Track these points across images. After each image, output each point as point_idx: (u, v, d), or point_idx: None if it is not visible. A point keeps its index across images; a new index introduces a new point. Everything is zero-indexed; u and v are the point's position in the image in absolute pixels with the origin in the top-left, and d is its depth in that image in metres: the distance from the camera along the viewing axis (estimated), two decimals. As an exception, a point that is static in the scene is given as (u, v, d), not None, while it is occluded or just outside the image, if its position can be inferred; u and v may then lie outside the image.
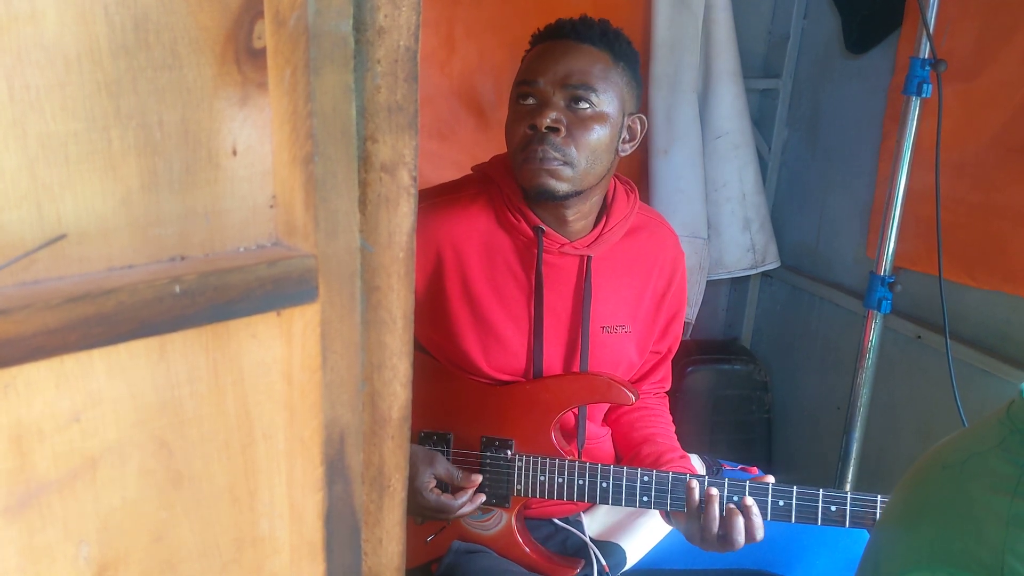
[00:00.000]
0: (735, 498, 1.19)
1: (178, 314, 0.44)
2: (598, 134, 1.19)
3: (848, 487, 1.97)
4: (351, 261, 0.49)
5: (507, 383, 1.31)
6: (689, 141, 2.17)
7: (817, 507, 1.18)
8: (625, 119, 1.24)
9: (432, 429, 1.32)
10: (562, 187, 1.19)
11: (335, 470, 0.52)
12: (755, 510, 1.17)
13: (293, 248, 0.48)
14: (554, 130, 1.17)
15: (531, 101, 1.19)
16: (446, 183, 1.36)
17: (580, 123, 1.18)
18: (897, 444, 2.12)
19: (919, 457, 0.80)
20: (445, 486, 1.26)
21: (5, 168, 0.41)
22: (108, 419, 0.46)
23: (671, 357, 1.47)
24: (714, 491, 1.18)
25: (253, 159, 0.47)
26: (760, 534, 1.17)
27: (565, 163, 1.18)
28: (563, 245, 1.27)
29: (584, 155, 1.18)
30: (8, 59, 0.41)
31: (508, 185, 1.27)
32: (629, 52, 1.24)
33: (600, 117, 1.19)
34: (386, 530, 0.58)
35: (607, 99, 1.19)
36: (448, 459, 1.30)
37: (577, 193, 1.22)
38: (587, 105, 1.18)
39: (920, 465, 0.78)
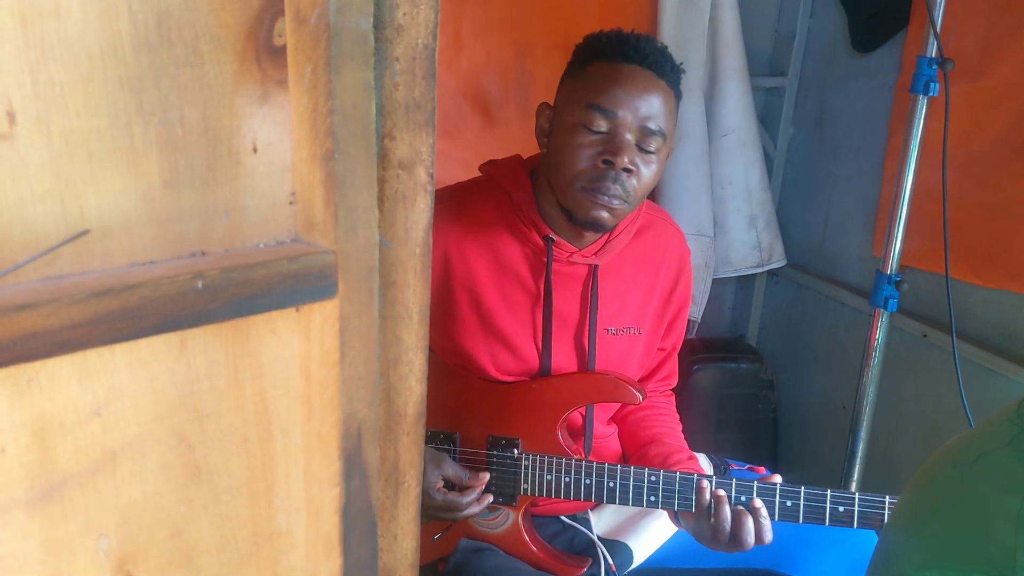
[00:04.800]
0: (743, 499, 1.19)
1: (200, 309, 0.44)
2: (656, 171, 1.20)
3: (854, 486, 1.97)
4: (370, 257, 0.49)
5: (514, 382, 1.32)
6: (695, 139, 2.17)
7: (825, 507, 1.18)
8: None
9: (439, 428, 1.33)
10: (614, 222, 1.21)
11: (352, 465, 0.52)
12: (764, 512, 1.16)
13: (312, 244, 0.48)
14: (628, 171, 1.16)
15: (603, 128, 1.16)
16: (453, 186, 1.36)
17: (646, 163, 1.17)
18: (903, 443, 2.12)
19: (925, 456, 0.80)
20: (452, 486, 1.26)
21: (29, 163, 0.42)
22: (129, 413, 0.46)
23: (676, 353, 1.47)
24: (722, 492, 1.18)
25: (273, 156, 0.48)
26: (769, 536, 1.16)
27: (625, 201, 1.18)
28: (572, 254, 1.27)
29: (641, 192, 1.19)
30: (33, 54, 0.41)
31: (518, 194, 1.27)
32: (680, 84, 1.24)
33: (660, 157, 1.20)
34: (401, 526, 0.59)
35: (668, 137, 1.20)
36: (455, 458, 1.31)
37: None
38: (655, 147, 1.17)
39: (930, 464, 0.78)
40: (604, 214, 1.18)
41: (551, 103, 1.26)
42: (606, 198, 1.16)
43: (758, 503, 1.17)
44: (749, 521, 1.16)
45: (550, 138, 1.22)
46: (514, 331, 1.29)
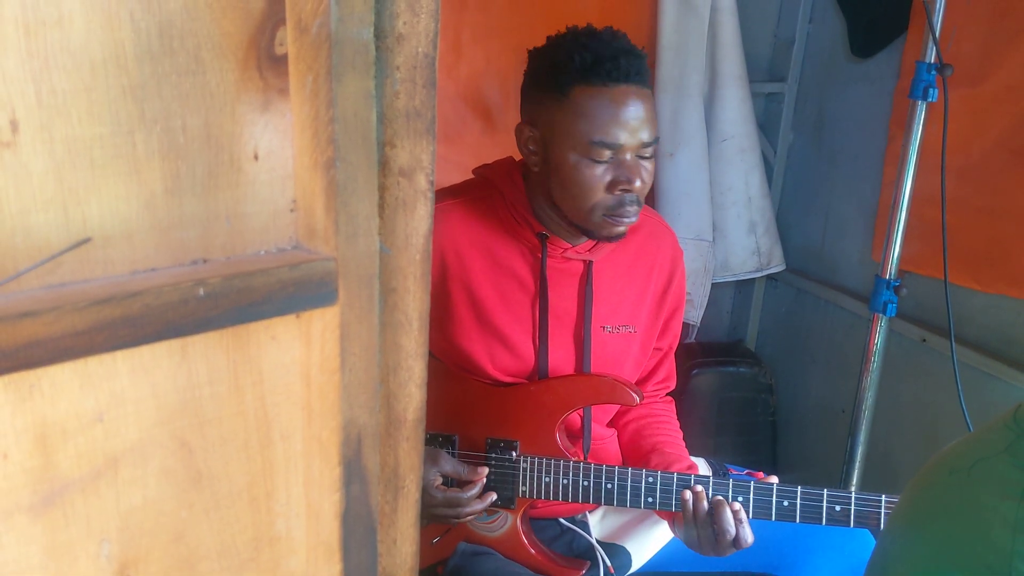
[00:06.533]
0: (740, 499, 1.19)
1: (201, 316, 0.44)
2: (653, 171, 1.23)
3: (853, 490, 1.97)
4: (370, 264, 0.50)
5: (512, 384, 1.32)
6: (695, 145, 2.18)
7: (821, 507, 1.19)
8: None
9: (437, 431, 1.33)
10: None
11: (352, 470, 0.53)
12: (736, 506, 1.18)
13: (313, 251, 0.49)
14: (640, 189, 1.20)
15: (607, 158, 1.17)
16: (449, 187, 1.37)
17: (648, 171, 1.20)
18: (902, 447, 2.13)
19: (924, 461, 0.80)
20: (451, 482, 1.27)
21: (32, 172, 0.42)
22: (130, 419, 0.46)
23: (672, 354, 1.47)
24: (699, 488, 1.20)
25: (274, 163, 0.48)
26: (747, 532, 1.17)
27: (639, 206, 1.22)
28: (566, 250, 1.29)
29: (645, 193, 1.22)
30: (36, 63, 0.41)
31: (512, 193, 1.28)
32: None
33: (654, 156, 1.22)
34: (400, 531, 0.59)
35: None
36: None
37: None
38: (651, 151, 1.20)
39: (927, 470, 0.78)
40: (623, 229, 1.22)
41: (525, 122, 1.24)
42: (628, 219, 1.20)
43: (736, 504, 1.19)
44: (727, 511, 1.17)
45: (545, 165, 1.22)
46: (511, 328, 1.30)
